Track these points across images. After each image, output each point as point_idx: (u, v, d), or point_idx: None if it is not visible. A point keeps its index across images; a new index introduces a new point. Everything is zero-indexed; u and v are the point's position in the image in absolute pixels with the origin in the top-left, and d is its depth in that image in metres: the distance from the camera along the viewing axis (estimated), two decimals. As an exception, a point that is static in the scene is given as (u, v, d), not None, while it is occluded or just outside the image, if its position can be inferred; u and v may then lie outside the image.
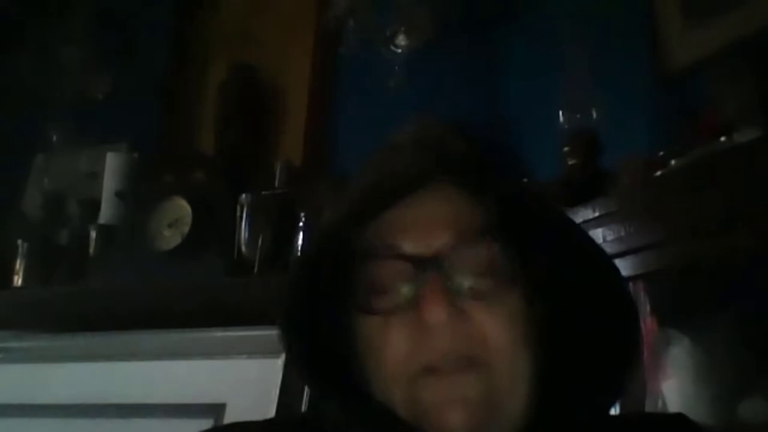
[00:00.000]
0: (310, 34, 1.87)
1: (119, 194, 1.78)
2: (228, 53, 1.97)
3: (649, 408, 1.05)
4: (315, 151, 1.79)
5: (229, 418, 1.31)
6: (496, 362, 0.63)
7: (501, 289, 0.64)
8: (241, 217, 1.55)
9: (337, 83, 1.83)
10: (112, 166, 1.83)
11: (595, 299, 0.67)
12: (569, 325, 0.67)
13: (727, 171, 0.98)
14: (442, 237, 0.64)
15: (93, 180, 1.93)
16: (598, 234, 1.05)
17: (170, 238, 1.62)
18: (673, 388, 1.06)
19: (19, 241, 1.84)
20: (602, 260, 0.69)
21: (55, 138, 2.03)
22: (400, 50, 1.60)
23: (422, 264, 0.63)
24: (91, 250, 1.75)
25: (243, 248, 1.54)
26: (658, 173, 1.08)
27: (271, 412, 1.25)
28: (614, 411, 0.75)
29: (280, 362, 1.31)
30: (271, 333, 1.30)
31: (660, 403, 1.06)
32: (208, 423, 1.28)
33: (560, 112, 1.31)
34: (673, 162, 1.06)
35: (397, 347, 0.63)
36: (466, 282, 0.64)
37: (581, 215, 1.07)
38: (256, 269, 1.51)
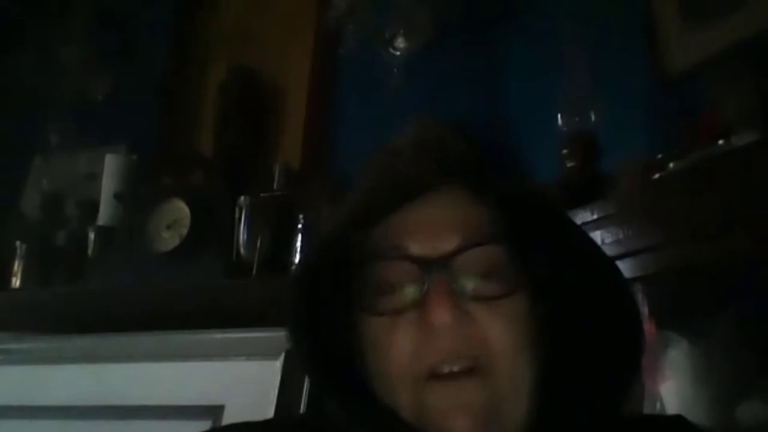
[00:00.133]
0: (310, 34, 1.87)
1: (118, 196, 1.78)
2: (228, 54, 1.97)
3: (647, 410, 1.05)
4: (314, 151, 1.79)
5: (227, 419, 1.31)
6: (499, 364, 0.63)
7: (504, 292, 0.65)
8: (240, 218, 1.55)
9: (336, 84, 1.83)
10: (111, 168, 1.83)
11: (597, 300, 0.67)
12: (571, 326, 0.67)
13: (725, 174, 0.98)
14: (449, 240, 0.65)
15: (92, 181, 1.94)
16: (596, 236, 1.04)
17: (169, 239, 1.62)
18: (672, 390, 1.06)
19: (18, 242, 1.84)
20: (604, 261, 0.69)
21: (54, 139, 2.03)
22: (399, 51, 1.60)
23: (428, 266, 0.64)
24: (90, 251, 1.75)
25: (242, 250, 1.54)
26: (657, 176, 1.07)
27: (269, 414, 1.25)
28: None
29: (278, 364, 1.30)
30: (270, 335, 1.32)
31: (658, 405, 1.06)
32: (206, 424, 1.29)
33: (559, 115, 1.30)
34: (671, 165, 1.06)
35: (402, 348, 0.64)
36: (470, 284, 0.64)
37: (580, 218, 1.07)
38: (254, 271, 1.51)
